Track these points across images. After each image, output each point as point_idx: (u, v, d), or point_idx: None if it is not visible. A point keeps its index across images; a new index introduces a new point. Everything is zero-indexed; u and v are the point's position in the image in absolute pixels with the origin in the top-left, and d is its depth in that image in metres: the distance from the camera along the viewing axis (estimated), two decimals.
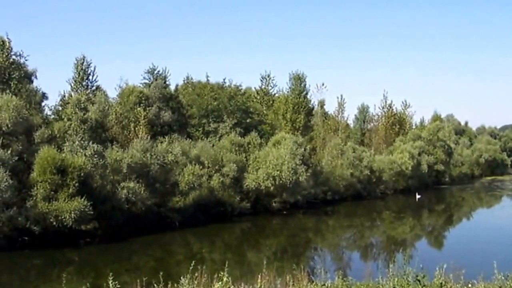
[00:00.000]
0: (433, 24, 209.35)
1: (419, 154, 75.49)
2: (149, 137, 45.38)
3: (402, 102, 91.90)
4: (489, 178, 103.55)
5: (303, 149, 51.68)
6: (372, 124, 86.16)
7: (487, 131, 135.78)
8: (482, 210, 65.21)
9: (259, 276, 13.09)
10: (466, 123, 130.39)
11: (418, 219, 55.05)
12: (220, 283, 12.13)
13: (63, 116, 44.44)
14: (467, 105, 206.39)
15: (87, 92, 49.83)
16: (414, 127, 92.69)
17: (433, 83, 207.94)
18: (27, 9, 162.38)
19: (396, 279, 12.14)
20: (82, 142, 38.23)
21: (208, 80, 65.26)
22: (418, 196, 64.05)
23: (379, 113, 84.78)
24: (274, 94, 75.06)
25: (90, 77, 52.90)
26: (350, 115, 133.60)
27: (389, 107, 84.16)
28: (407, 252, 15.10)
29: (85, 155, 36.72)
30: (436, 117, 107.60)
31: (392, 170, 68.82)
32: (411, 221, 52.96)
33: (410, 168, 71.02)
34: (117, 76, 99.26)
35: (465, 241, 41.52)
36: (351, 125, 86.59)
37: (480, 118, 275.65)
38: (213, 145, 51.82)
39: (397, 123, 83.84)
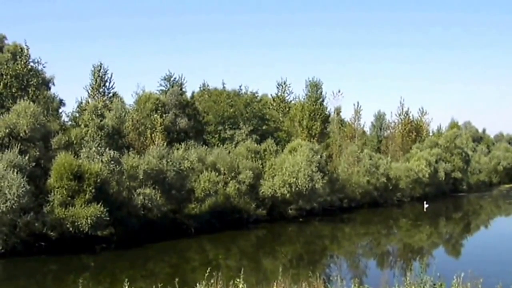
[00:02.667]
0: (451, 31, 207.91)
1: (436, 162, 74.82)
2: (165, 143, 45.51)
3: (419, 109, 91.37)
4: (507, 186, 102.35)
5: (319, 156, 51.49)
6: (388, 131, 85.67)
7: (505, 139, 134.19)
8: (500, 219, 64.46)
9: (275, 283, 13.10)
10: (484, 131, 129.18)
11: (435, 227, 54.50)
12: None
13: (80, 123, 44.71)
14: (484, 112, 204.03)
15: (104, 98, 50.42)
16: (431, 134, 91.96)
17: (450, 90, 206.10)
18: (46, 16, 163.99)
19: (413, 287, 12.04)
20: (99, 148, 38.41)
21: (224, 87, 65.59)
22: (426, 205, 62.74)
23: (396, 120, 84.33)
24: (291, 101, 74.99)
25: (107, 84, 53.49)
26: (366, 122, 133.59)
27: (405, 114, 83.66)
28: (424, 260, 14.92)
29: (101, 161, 36.88)
30: (454, 125, 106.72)
31: (409, 178, 68.36)
32: (428, 229, 52.46)
33: (427, 175, 70.43)
34: (133, 83, 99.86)
35: (483, 249, 40.96)
36: (368, 132, 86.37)
37: (498, 126, 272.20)
38: (229, 152, 51.77)
39: (414, 130, 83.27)
